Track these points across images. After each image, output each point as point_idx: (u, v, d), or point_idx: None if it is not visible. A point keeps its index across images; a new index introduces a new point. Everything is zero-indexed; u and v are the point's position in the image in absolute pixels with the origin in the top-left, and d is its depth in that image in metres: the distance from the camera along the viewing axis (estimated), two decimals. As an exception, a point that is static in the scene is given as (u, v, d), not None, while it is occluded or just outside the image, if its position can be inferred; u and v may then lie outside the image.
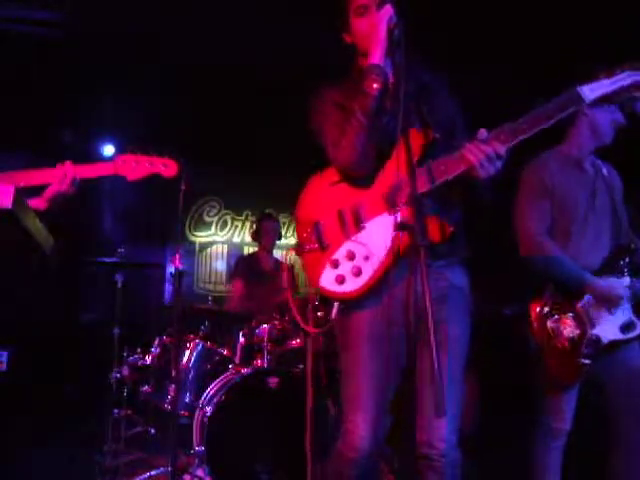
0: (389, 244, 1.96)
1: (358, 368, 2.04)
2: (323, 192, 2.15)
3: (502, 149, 1.89)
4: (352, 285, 2.00)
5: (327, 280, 2.04)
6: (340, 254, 2.04)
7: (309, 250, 2.09)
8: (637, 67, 1.94)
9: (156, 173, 2.45)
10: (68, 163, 2.33)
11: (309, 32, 4.25)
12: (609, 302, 2.60)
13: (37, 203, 2.35)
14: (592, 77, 1.93)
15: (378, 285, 1.98)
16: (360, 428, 2.00)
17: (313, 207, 2.15)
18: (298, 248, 2.13)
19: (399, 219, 1.90)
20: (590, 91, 1.91)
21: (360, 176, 2.09)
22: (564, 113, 1.91)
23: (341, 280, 2.01)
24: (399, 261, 1.95)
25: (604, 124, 2.76)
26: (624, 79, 1.92)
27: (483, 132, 1.92)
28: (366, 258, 1.99)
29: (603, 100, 1.93)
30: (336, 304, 2.05)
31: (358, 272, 2.00)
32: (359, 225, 2.04)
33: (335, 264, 2.04)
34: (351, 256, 2.02)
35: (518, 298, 2.84)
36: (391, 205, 1.99)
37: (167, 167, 2.46)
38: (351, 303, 2.04)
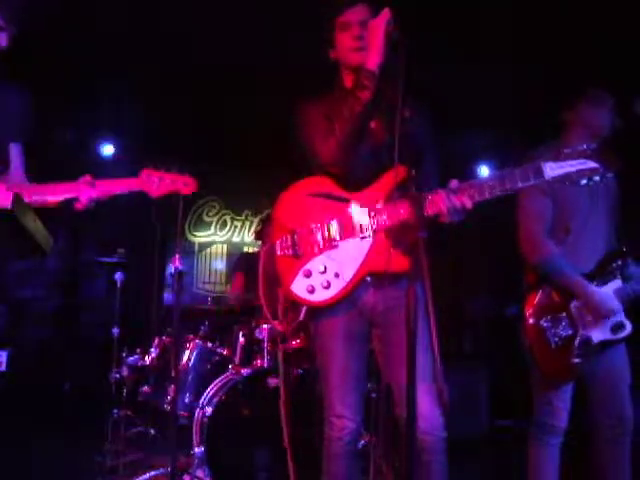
0: (357, 268, 2.14)
1: (334, 361, 2.21)
2: (301, 201, 2.23)
3: (469, 203, 2.03)
4: (321, 296, 2.15)
5: (298, 287, 2.17)
6: (313, 266, 2.17)
7: (283, 255, 2.20)
8: (595, 155, 2.07)
9: (176, 191, 2.47)
10: (87, 179, 2.32)
11: (310, 33, 4.24)
12: (598, 314, 2.64)
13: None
14: (558, 156, 2.07)
15: (346, 298, 2.16)
16: (343, 413, 2.18)
17: (291, 214, 2.23)
18: (272, 250, 2.23)
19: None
20: (551, 169, 2.05)
21: (343, 171, 2.18)
22: (525, 184, 2.05)
23: (311, 290, 2.16)
24: (365, 280, 2.15)
25: (597, 121, 2.80)
26: (583, 164, 2.06)
27: (455, 183, 2.07)
28: (336, 275, 2.15)
29: (564, 178, 2.07)
30: (305, 307, 2.23)
31: (328, 286, 2.15)
32: (332, 242, 2.16)
33: (307, 274, 2.17)
34: (323, 270, 2.16)
35: (518, 299, 2.86)
36: (363, 231, 2.14)
37: (187, 185, 2.49)
38: (319, 310, 2.21)
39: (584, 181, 2.05)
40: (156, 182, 2.41)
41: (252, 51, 4.80)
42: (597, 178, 2.05)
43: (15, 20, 2.25)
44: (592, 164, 2.05)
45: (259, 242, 5.09)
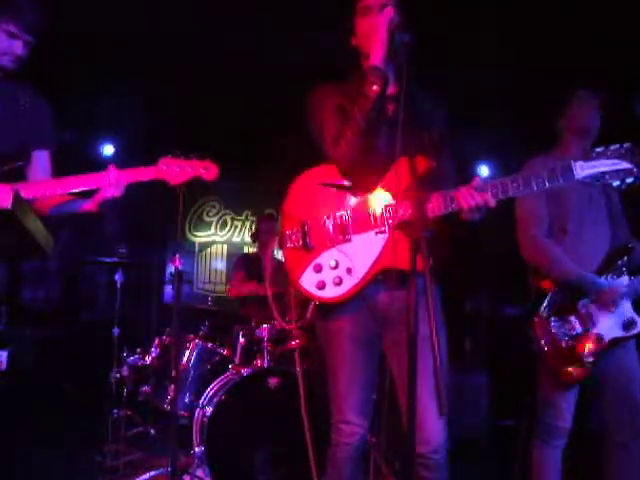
0: (371, 264, 2.06)
1: (342, 365, 2.15)
2: (312, 191, 2.16)
3: (493, 202, 1.97)
4: (332, 292, 2.07)
5: (308, 282, 2.09)
6: (324, 260, 2.09)
7: (292, 247, 2.12)
8: (629, 154, 1.97)
9: (197, 177, 2.39)
10: (111, 168, 2.29)
11: (310, 33, 4.24)
12: (607, 301, 2.63)
13: (89, 206, 2.35)
14: (588, 155, 1.98)
15: (357, 295, 2.08)
16: (351, 419, 2.12)
17: (301, 204, 2.16)
18: (281, 241, 2.16)
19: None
20: (581, 168, 1.96)
21: (356, 172, 2.12)
22: (553, 183, 1.97)
23: (322, 286, 2.08)
24: (377, 278, 2.07)
25: (586, 120, 2.80)
26: (617, 164, 1.96)
27: (478, 180, 2.00)
28: (348, 271, 2.07)
29: (595, 178, 1.97)
30: (312, 304, 2.17)
31: (339, 282, 2.07)
32: (346, 236, 2.08)
33: (318, 269, 2.09)
34: (334, 265, 2.08)
35: (518, 299, 2.86)
36: (379, 226, 2.06)
37: (208, 170, 2.41)
38: (330, 306, 2.13)
39: (616, 182, 1.96)
40: (175, 170, 2.36)
41: (253, 50, 4.79)
42: (630, 180, 1.96)
43: (31, 29, 2.24)
44: (626, 164, 1.94)
45: (256, 243, 5.09)
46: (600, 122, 2.81)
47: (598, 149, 1.98)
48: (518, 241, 2.81)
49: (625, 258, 2.71)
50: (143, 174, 2.34)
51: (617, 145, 1.98)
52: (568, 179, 1.97)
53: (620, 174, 1.96)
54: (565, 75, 4.05)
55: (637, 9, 3.93)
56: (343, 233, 2.09)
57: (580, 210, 2.74)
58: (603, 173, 1.96)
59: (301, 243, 2.11)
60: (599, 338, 2.62)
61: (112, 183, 2.26)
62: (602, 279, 2.67)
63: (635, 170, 1.95)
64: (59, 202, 2.37)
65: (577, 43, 4.36)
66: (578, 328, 2.65)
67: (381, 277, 2.08)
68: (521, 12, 4.32)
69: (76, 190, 2.28)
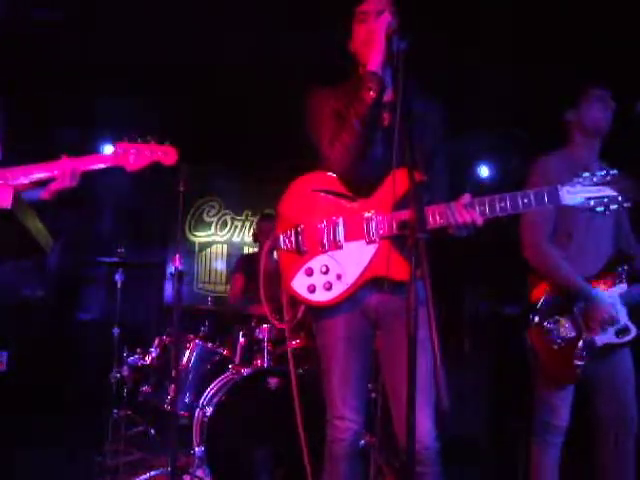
0: (361, 271, 2.08)
1: (335, 363, 2.17)
2: (307, 196, 2.18)
3: (480, 220, 1.99)
4: (322, 297, 2.10)
5: (299, 285, 2.12)
6: (315, 265, 2.12)
7: (286, 250, 2.15)
8: (615, 182, 2.00)
9: (156, 161, 2.37)
10: (64, 157, 2.27)
11: (311, 34, 4.24)
12: (600, 319, 2.63)
13: (42, 194, 2.32)
14: (575, 179, 2.01)
15: (347, 300, 2.11)
16: (345, 414, 2.14)
17: (296, 208, 2.18)
18: (276, 243, 2.18)
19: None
20: (567, 194, 2.00)
21: (350, 176, 2.13)
22: (539, 206, 2.00)
23: (312, 290, 2.11)
24: (367, 283, 2.09)
25: (598, 119, 2.80)
26: (601, 191, 2.00)
27: (467, 197, 2.02)
28: (338, 277, 2.10)
29: (580, 205, 2.01)
30: (303, 305, 2.19)
31: (329, 287, 2.10)
32: (337, 242, 2.11)
33: (309, 273, 2.12)
34: (325, 270, 2.10)
35: (518, 298, 2.86)
36: (370, 235, 2.09)
37: (167, 155, 2.39)
38: (320, 309, 2.16)
39: (601, 209, 2.00)
40: (133, 155, 2.33)
41: (251, 50, 4.80)
42: (614, 207, 1.99)
43: None
44: (611, 192, 1.98)
45: (257, 243, 5.10)
46: (611, 120, 2.81)
47: (585, 174, 2.02)
48: (521, 243, 2.81)
49: (625, 266, 2.72)
50: (98, 161, 2.32)
51: (604, 171, 2.01)
52: (554, 203, 2.00)
53: (605, 200, 2.00)
54: (566, 75, 4.06)
55: (637, 9, 3.93)
56: (335, 240, 2.11)
57: (587, 217, 2.72)
58: (588, 199, 2.00)
59: (294, 246, 2.14)
60: (591, 343, 2.63)
61: (66, 172, 2.24)
62: (600, 293, 2.66)
63: (620, 198, 1.99)
64: (19, 191, 2.35)
65: (577, 43, 4.36)
66: (571, 332, 2.65)
67: (371, 283, 2.10)
68: (521, 12, 4.32)
69: (26, 180, 2.24)
